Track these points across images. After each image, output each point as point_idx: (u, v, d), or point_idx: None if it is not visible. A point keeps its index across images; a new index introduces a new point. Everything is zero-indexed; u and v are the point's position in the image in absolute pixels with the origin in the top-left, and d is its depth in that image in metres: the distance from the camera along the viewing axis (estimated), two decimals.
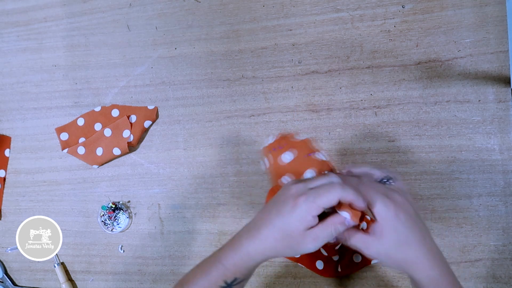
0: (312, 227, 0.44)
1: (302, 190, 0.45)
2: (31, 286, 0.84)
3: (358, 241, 0.45)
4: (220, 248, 0.49)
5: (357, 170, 0.50)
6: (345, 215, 0.44)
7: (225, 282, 0.47)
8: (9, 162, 0.83)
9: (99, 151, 0.77)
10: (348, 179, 0.48)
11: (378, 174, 0.49)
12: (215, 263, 0.47)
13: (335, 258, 0.65)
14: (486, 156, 0.62)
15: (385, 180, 0.48)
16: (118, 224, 0.77)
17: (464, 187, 0.63)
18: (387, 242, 0.43)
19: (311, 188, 0.45)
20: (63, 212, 0.80)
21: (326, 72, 0.68)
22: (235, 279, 0.47)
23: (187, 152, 0.74)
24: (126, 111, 0.76)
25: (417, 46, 0.64)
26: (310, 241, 0.44)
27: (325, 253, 0.65)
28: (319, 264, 0.66)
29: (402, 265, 0.44)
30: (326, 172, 0.52)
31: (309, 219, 0.43)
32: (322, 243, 0.44)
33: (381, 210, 0.43)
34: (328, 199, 0.43)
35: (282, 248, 0.45)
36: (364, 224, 0.46)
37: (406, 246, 0.43)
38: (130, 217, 0.77)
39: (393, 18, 0.65)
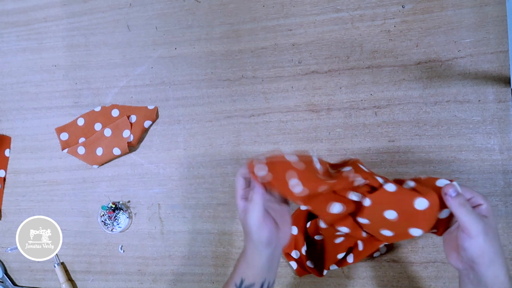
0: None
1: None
2: (31, 286, 0.84)
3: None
4: None
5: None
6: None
7: (235, 285, 0.52)
8: (9, 162, 0.83)
9: (99, 151, 0.77)
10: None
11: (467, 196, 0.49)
12: (231, 275, 0.54)
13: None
14: (486, 156, 0.62)
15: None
16: (118, 224, 0.77)
17: None
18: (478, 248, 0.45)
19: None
20: (63, 212, 0.80)
21: (326, 72, 0.68)
22: (242, 280, 0.52)
23: (187, 152, 0.74)
24: (126, 111, 0.76)
25: (417, 46, 0.64)
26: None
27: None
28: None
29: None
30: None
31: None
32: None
33: (474, 227, 0.45)
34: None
35: (248, 238, 0.52)
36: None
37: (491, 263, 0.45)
38: (130, 217, 0.77)
39: (393, 18, 0.65)
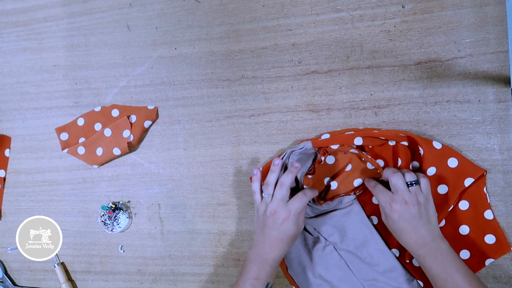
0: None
1: (275, 206, 0.60)
2: (31, 286, 0.84)
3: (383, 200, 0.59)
4: (240, 275, 0.61)
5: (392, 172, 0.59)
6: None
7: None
8: (9, 162, 0.83)
9: (99, 151, 0.77)
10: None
11: (408, 177, 0.58)
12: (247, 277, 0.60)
13: None
14: (486, 156, 0.62)
15: (413, 182, 0.58)
16: (118, 224, 0.77)
17: None
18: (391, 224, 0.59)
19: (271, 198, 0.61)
20: (63, 212, 0.80)
21: (326, 72, 0.68)
22: (268, 284, 0.60)
23: (187, 152, 0.74)
24: (126, 111, 0.76)
25: (417, 46, 0.64)
26: (300, 225, 0.61)
27: None
28: None
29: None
30: None
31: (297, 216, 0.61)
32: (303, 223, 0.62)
33: (395, 207, 0.57)
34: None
35: (287, 247, 0.61)
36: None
37: (399, 232, 0.58)
38: (130, 217, 0.77)
39: (393, 18, 0.65)
